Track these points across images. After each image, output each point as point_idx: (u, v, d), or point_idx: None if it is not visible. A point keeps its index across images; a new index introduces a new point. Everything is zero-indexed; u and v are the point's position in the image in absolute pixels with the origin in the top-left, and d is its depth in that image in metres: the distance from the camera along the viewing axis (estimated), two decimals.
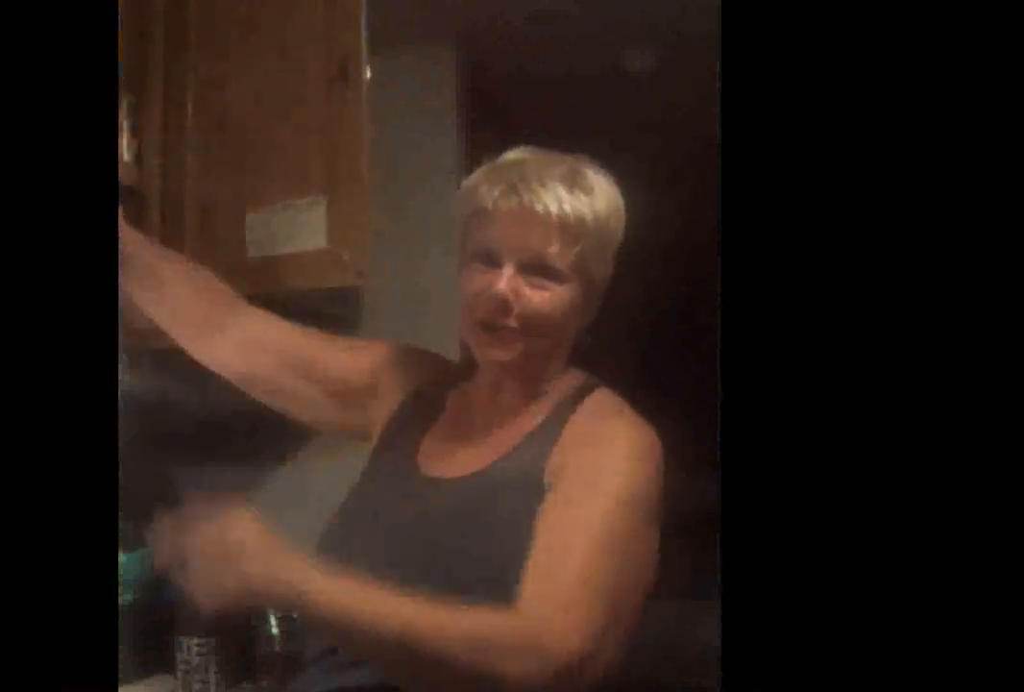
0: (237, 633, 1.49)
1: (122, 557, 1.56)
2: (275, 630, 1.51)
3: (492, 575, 0.92)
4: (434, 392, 1.13)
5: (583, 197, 0.99)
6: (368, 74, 1.31)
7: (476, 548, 0.94)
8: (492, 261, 0.99)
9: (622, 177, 1.05)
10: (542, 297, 0.99)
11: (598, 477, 0.95)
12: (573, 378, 1.08)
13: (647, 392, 1.02)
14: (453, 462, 1.04)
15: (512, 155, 1.04)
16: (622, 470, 0.96)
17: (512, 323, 0.98)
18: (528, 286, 0.98)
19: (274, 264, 1.34)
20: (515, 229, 0.98)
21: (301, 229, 1.32)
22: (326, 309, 1.44)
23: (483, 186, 1.00)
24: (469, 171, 1.06)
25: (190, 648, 1.44)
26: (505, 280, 0.97)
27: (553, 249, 0.97)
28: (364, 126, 1.30)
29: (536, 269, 0.98)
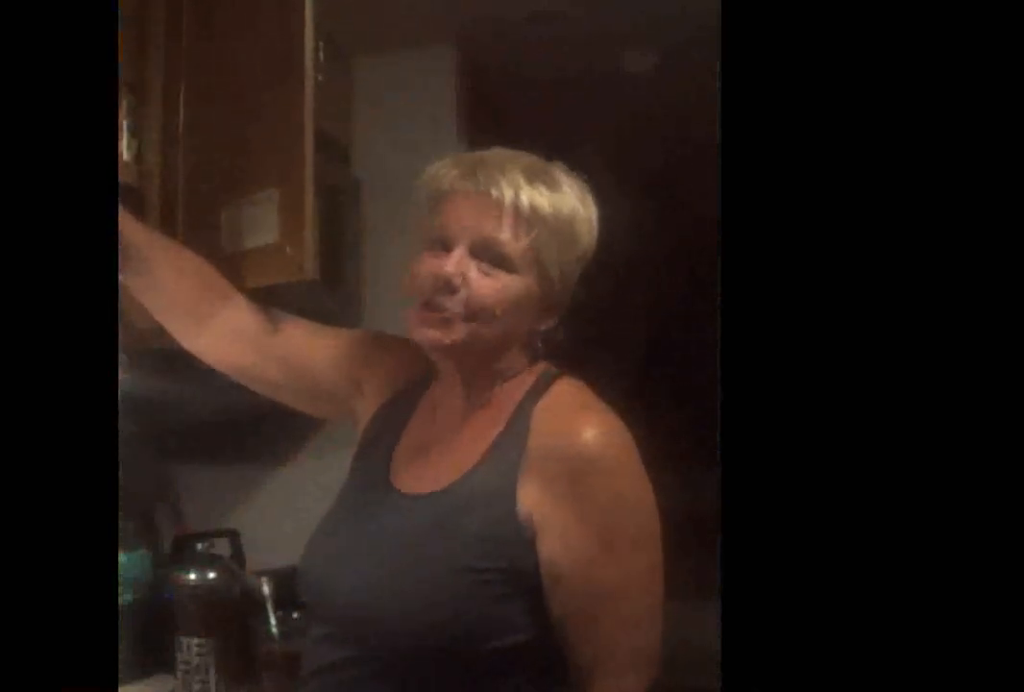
0: (237, 633, 1.49)
1: (122, 557, 1.56)
2: (275, 630, 1.52)
3: (467, 591, 0.92)
4: (411, 394, 1.11)
5: (543, 190, 0.97)
6: (313, 64, 1.29)
7: (452, 565, 0.94)
8: (445, 246, 0.98)
9: (621, 178, 1.05)
10: (489, 284, 0.97)
11: (589, 517, 0.94)
12: (534, 372, 1.05)
13: (648, 392, 1.01)
14: (424, 475, 1.02)
15: (485, 152, 1.04)
16: (611, 498, 0.96)
17: (456, 306, 0.97)
18: (477, 271, 0.97)
19: (240, 260, 1.35)
20: (468, 211, 0.97)
21: (259, 224, 1.33)
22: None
23: (443, 169, 1.01)
24: None
25: (190, 648, 1.44)
26: (454, 261, 0.97)
27: (504, 235, 0.96)
28: (308, 118, 1.29)
29: (486, 254, 0.97)
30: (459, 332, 0.98)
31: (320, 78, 1.33)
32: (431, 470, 1.02)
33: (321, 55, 1.35)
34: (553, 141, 1.06)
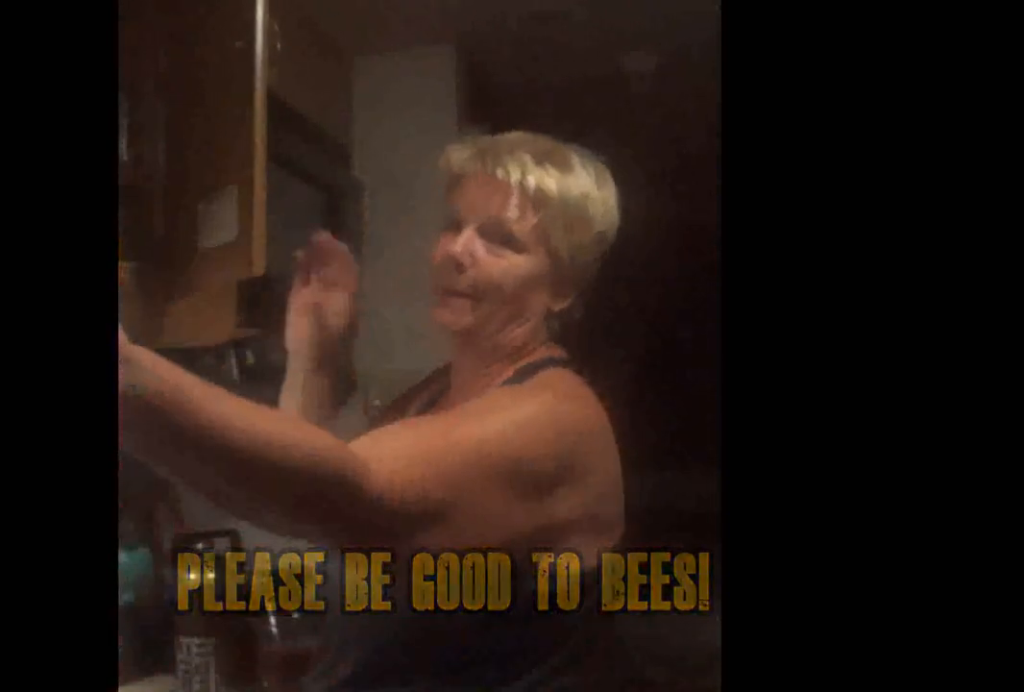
0: (237, 633, 1.49)
1: (122, 557, 1.56)
2: (275, 630, 1.51)
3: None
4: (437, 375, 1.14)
5: (552, 171, 0.99)
6: (263, 54, 1.28)
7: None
8: (457, 228, 1.01)
9: (621, 178, 1.05)
10: (496, 262, 0.99)
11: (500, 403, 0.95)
12: (533, 358, 1.04)
13: (649, 392, 1.01)
14: None
15: (504, 135, 1.06)
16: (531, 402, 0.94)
17: (464, 287, 0.99)
18: (485, 251, 0.99)
19: (208, 256, 1.36)
20: (477, 192, 1.00)
21: (223, 219, 1.33)
22: None
23: (456, 152, 1.03)
24: None
25: (190, 648, 1.43)
26: (462, 241, 0.99)
27: (511, 215, 0.98)
28: (261, 113, 1.28)
29: (495, 235, 0.99)
30: (468, 315, 0.99)
31: (276, 70, 1.34)
32: None
33: (279, 45, 1.35)
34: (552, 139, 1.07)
